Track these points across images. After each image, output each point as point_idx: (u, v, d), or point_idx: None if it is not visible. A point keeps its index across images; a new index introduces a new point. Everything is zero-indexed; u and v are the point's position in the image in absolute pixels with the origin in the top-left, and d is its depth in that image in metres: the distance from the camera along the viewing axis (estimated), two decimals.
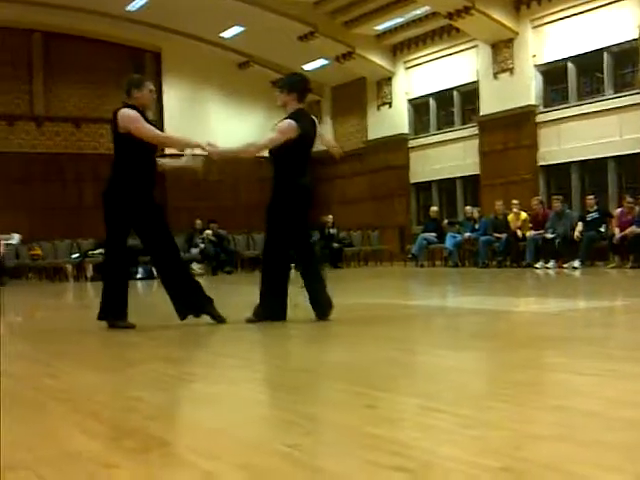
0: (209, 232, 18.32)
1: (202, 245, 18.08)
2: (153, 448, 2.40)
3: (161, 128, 21.60)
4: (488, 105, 17.83)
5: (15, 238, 18.47)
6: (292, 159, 6.12)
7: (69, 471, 2.23)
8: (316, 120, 6.49)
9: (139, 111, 6.05)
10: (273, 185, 6.21)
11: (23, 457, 2.35)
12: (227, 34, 21.01)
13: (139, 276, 16.82)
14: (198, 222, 18.56)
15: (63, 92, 21.54)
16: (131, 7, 19.81)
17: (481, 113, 18.07)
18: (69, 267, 17.88)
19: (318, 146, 6.45)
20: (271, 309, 6.08)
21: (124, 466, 2.23)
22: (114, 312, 6.03)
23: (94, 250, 17.50)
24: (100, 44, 21.58)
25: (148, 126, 6.06)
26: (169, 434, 2.62)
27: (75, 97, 21.68)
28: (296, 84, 6.28)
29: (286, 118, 6.11)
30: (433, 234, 17.32)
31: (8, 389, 3.62)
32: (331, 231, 19.23)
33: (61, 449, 2.45)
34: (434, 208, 18.31)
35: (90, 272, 17.61)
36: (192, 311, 6.15)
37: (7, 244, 17.09)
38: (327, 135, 6.41)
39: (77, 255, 17.59)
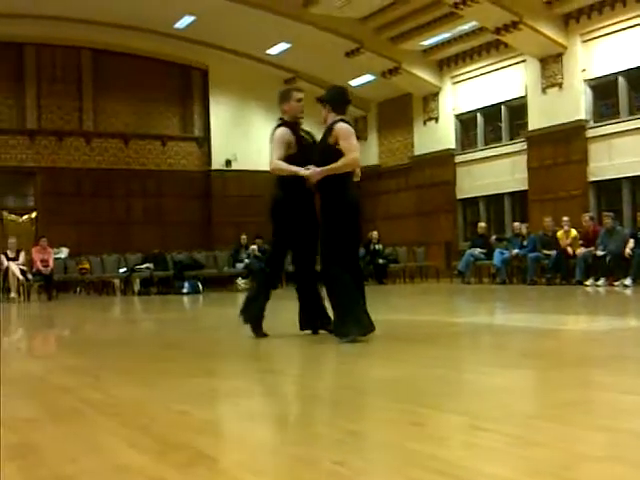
0: (254, 247, 18.40)
1: (247, 260, 18.17)
2: (200, 463, 2.41)
3: (208, 143, 22.26)
4: (537, 120, 17.68)
5: (64, 252, 18.77)
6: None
7: None
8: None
9: (290, 125, 6.09)
10: (323, 200, 5.97)
11: (71, 469, 2.38)
12: (273, 51, 21.18)
13: (185, 291, 17.00)
14: (244, 237, 18.66)
15: (111, 109, 21.88)
16: (179, 25, 20.12)
17: (530, 128, 17.91)
18: (117, 281, 18.10)
19: None
20: (359, 322, 5.68)
21: None
22: (315, 320, 6.20)
23: (141, 265, 17.76)
24: (148, 61, 21.93)
25: (275, 151, 6.07)
26: (216, 449, 2.63)
27: (123, 114, 22.01)
28: (330, 95, 6.12)
29: (335, 123, 5.85)
30: (481, 250, 17.16)
31: (57, 402, 3.67)
32: (376, 247, 19.20)
33: (109, 462, 2.47)
34: (482, 224, 18.12)
35: (137, 286, 17.83)
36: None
37: (56, 258, 17.35)
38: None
39: (125, 269, 17.81)
